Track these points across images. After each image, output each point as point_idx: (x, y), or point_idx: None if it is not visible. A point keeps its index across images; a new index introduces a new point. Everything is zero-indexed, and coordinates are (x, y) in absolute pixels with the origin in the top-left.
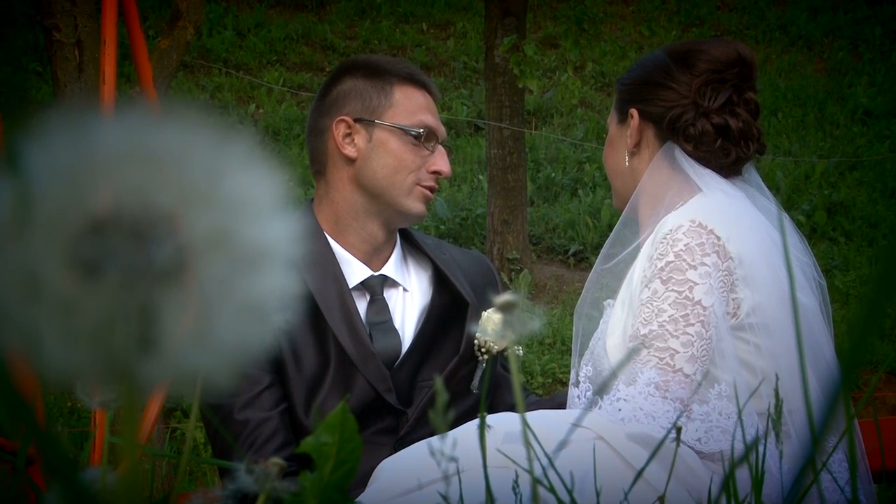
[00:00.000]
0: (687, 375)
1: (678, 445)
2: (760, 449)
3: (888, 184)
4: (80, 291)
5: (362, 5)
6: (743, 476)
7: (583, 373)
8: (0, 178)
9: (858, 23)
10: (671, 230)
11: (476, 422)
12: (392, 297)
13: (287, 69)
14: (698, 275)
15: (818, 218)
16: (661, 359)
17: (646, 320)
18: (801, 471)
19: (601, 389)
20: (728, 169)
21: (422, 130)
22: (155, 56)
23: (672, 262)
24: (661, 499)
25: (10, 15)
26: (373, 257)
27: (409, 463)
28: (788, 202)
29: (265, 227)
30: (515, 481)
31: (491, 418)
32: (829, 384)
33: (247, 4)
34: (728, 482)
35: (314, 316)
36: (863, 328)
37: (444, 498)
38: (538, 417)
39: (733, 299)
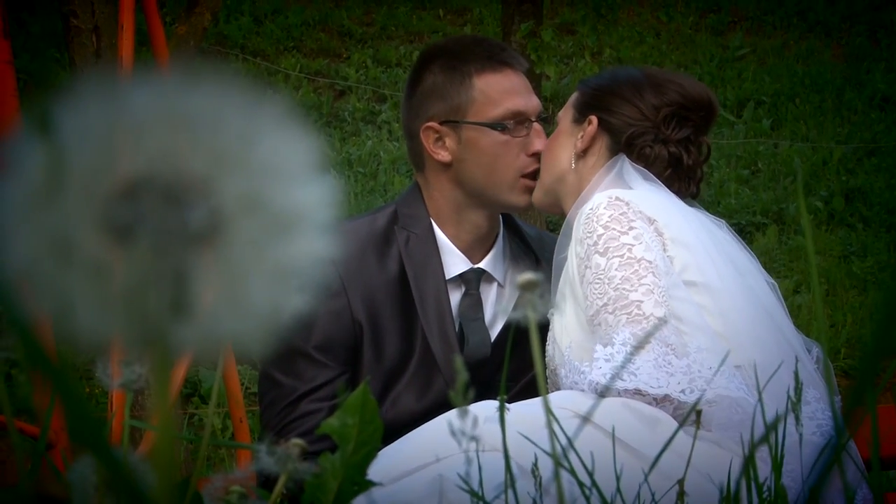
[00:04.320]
0: (659, 318)
1: (698, 428)
2: (769, 432)
3: None
4: (112, 255)
5: None
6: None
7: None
8: (33, 143)
9: (877, 9)
10: (592, 209)
11: (446, 414)
12: (485, 290)
13: (304, 55)
14: (632, 237)
15: (836, 204)
16: (629, 314)
17: (600, 293)
18: (820, 457)
19: (615, 377)
20: None
21: (509, 121)
22: (172, 42)
23: (602, 234)
24: (681, 486)
25: (29, 2)
26: (475, 247)
27: (393, 456)
28: (806, 188)
29: (297, 192)
30: (535, 464)
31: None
32: (791, 354)
33: None
34: (748, 466)
35: (405, 303)
36: (885, 315)
37: (464, 478)
38: (517, 406)
39: (668, 256)
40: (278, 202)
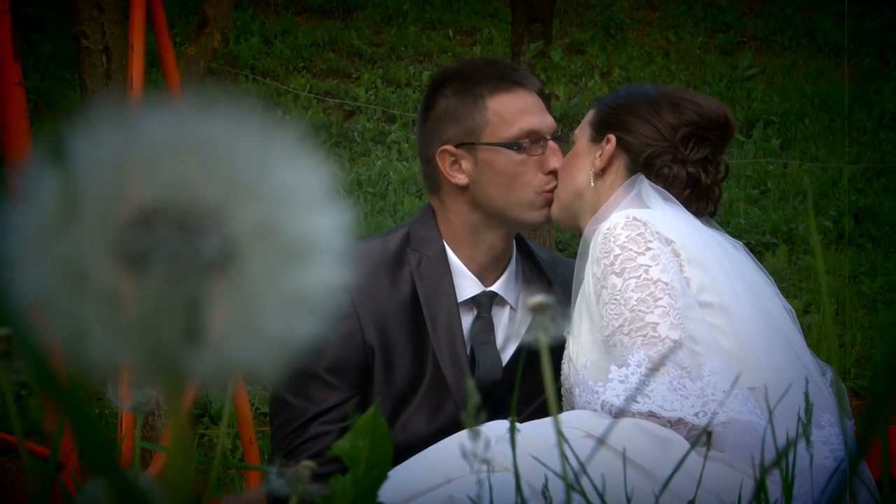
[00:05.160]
0: (674, 341)
1: (709, 449)
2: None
3: None
4: (125, 283)
5: (389, 12)
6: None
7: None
8: (47, 170)
9: (885, 29)
10: (609, 228)
11: (457, 435)
12: (497, 313)
13: (314, 76)
14: (649, 258)
15: (845, 224)
16: (645, 336)
17: (616, 314)
18: (831, 480)
19: (629, 399)
20: None
21: (525, 140)
22: (182, 63)
23: (619, 254)
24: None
25: (39, 23)
26: (488, 270)
27: (403, 477)
28: (815, 208)
29: (311, 220)
30: (545, 486)
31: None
32: (802, 374)
33: (273, 11)
34: (759, 490)
35: (416, 325)
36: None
37: (475, 501)
38: (527, 426)
39: (685, 277)
40: (291, 230)
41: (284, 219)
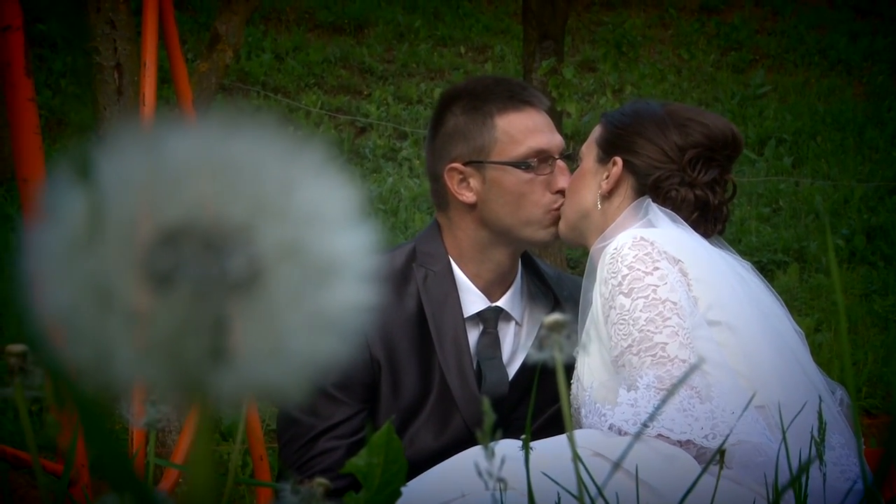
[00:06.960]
0: (684, 360)
1: (721, 469)
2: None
3: None
4: (152, 303)
5: (400, 29)
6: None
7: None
8: (73, 189)
9: None
10: (616, 249)
11: (470, 451)
12: (503, 329)
13: (325, 92)
14: (657, 278)
15: (857, 242)
16: (654, 356)
17: (625, 334)
18: (846, 500)
19: (637, 423)
20: None
21: (533, 160)
22: (194, 79)
23: (627, 274)
24: None
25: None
26: (494, 286)
27: (417, 492)
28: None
29: (337, 239)
30: (558, 501)
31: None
32: (813, 394)
33: (285, 28)
34: None
35: (423, 340)
36: None
37: None
38: (539, 445)
39: (693, 297)
40: (317, 250)
41: (310, 238)
